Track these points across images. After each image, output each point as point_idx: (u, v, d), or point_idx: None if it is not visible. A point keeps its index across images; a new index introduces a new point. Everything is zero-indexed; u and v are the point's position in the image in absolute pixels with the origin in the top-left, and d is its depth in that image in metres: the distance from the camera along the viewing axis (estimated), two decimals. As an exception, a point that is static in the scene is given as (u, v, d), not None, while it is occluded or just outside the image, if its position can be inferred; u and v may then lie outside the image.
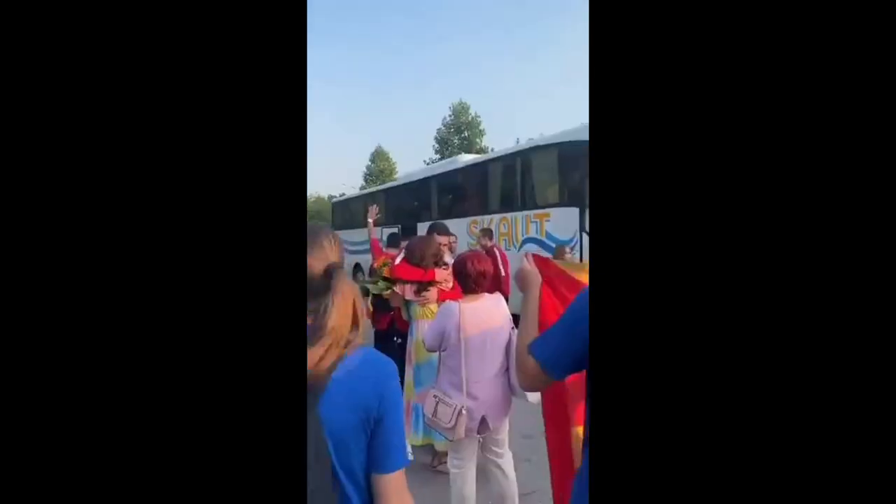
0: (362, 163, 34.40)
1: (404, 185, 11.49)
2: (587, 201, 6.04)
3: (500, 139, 45.78)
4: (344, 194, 19.31)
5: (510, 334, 2.04)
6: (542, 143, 7.44)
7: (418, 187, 10.59)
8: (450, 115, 29.75)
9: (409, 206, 10.80)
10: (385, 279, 2.75)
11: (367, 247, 7.02)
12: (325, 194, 36.68)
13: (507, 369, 2.02)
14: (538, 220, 6.74)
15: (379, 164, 33.15)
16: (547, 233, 6.52)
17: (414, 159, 51.73)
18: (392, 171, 32.01)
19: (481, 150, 22.53)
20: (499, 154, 8.56)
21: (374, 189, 14.82)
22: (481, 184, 8.63)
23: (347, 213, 14.54)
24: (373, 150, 34.05)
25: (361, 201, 13.61)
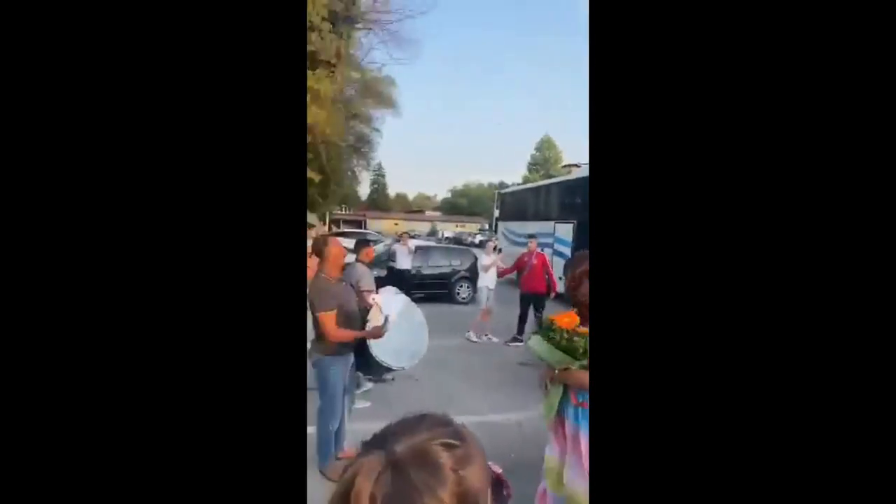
0: (526, 151, 33.94)
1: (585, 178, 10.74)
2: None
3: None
4: (503, 182, 19.05)
5: None
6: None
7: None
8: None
9: (586, 202, 10.15)
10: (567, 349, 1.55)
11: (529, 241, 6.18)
12: (484, 181, 37.33)
13: None
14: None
15: (545, 153, 32.51)
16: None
17: (585, 150, 49.57)
18: (558, 161, 31.09)
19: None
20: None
21: (549, 181, 13.76)
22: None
23: (514, 203, 14.22)
24: (539, 138, 33.50)
25: (531, 193, 13.25)
